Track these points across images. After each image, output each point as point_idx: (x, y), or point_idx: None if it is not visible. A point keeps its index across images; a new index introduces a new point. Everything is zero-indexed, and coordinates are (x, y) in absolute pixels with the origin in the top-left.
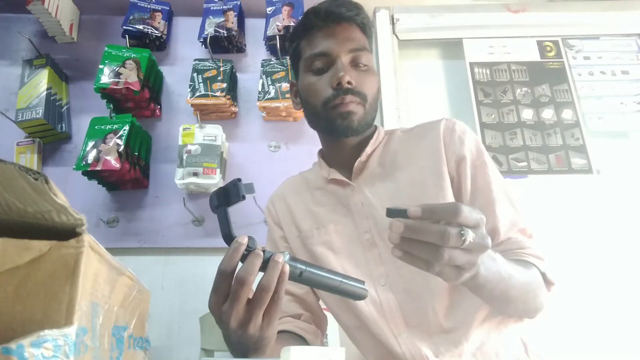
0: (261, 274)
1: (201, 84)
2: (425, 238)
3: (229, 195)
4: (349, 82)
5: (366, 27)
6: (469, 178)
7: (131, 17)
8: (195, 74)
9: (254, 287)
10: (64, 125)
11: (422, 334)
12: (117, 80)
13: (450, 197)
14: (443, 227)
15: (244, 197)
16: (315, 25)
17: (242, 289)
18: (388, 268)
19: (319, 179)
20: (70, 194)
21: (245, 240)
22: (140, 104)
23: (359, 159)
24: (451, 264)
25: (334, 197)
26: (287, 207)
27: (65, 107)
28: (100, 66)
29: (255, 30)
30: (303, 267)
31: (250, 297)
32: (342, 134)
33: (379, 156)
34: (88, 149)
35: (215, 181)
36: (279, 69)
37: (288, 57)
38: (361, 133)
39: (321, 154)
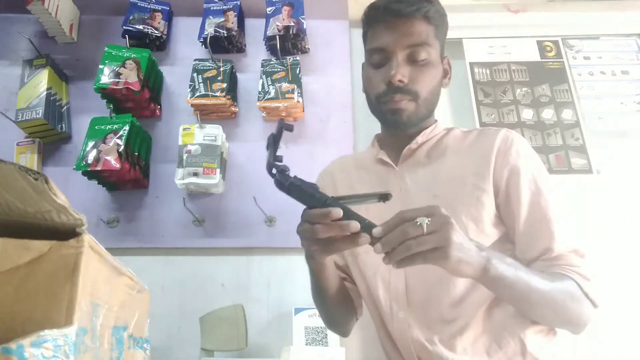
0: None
1: (201, 84)
2: (395, 243)
3: (279, 132)
4: (400, 81)
5: (431, 19)
6: (526, 193)
7: (131, 17)
8: (195, 74)
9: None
10: (64, 125)
11: (421, 320)
12: (117, 80)
13: (487, 200)
14: (400, 227)
15: (290, 128)
16: (376, 18)
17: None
18: None
19: (368, 158)
20: (70, 194)
21: (340, 214)
22: (140, 104)
23: (409, 145)
24: (426, 247)
25: (376, 178)
26: (333, 183)
27: (65, 107)
28: (100, 66)
29: (255, 30)
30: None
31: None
32: (392, 128)
33: (430, 148)
34: (88, 149)
35: (215, 181)
36: (279, 69)
37: (289, 57)
38: (413, 126)
39: (378, 137)
